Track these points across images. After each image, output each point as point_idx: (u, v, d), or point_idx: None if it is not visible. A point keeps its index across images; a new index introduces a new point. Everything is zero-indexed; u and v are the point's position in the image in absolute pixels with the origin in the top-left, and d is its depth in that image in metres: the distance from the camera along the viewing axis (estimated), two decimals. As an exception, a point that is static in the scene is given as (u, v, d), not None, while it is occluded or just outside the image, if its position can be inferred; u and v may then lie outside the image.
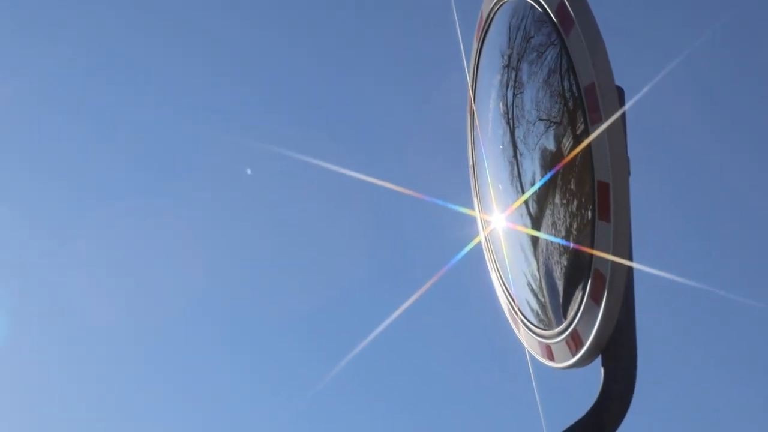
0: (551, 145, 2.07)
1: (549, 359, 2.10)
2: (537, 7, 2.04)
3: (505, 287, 2.37)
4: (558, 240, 2.07)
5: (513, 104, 2.23)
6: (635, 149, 2.00)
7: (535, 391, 2.19)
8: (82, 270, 7.13)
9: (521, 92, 2.19)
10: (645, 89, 2.04)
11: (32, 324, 7.36)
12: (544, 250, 2.15)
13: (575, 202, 2.00)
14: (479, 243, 2.49)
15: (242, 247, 7.17)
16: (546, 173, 2.10)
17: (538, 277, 2.19)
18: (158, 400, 7.42)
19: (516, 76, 2.21)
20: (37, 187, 7.31)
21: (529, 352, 2.21)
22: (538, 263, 2.19)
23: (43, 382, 7.40)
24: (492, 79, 2.34)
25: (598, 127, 1.85)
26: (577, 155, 1.94)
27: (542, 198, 2.13)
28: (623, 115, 1.90)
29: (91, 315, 7.04)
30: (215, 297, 7.22)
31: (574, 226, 2.00)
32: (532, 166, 2.16)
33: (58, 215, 7.47)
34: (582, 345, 1.93)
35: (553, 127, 2.05)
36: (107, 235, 7.02)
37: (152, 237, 7.03)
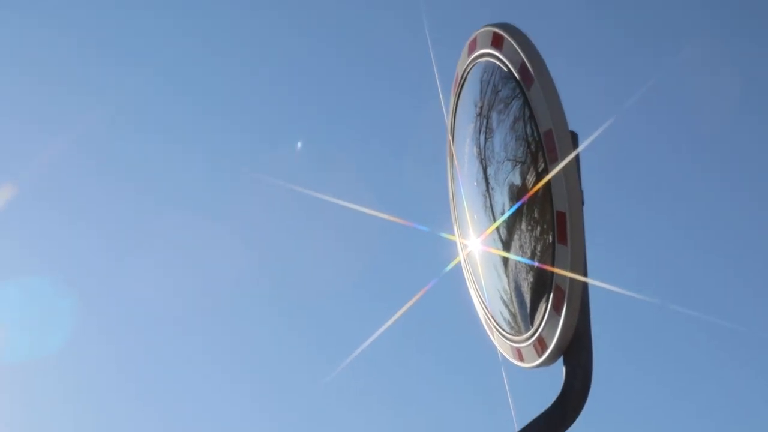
0: (517, 181, 2.22)
1: (519, 360, 2.27)
2: (503, 66, 2.23)
3: (482, 300, 2.52)
4: (525, 260, 2.22)
5: (485, 147, 2.39)
6: (590, 181, 2.14)
7: (507, 387, 2.35)
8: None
9: (491, 137, 2.35)
10: (596, 132, 2.20)
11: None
12: (514, 269, 2.30)
13: (538, 228, 2.15)
14: (459, 263, 2.64)
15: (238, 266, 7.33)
16: (513, 204, 2.24)
17: (509, 291, 2.33)
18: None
19: (487, 123, 2.37)
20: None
21: (501, 354, 2.37)
22: (508, 280, 2.33)
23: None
24: (467, 126, 2.50)
25: (555, 165, 2.02)
26: (539, 189, 2.10)
27: (511, 225, 2.28)
28: (577, 155, 2.09)
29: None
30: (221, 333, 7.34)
31: (538, 248, 2.16)
32: (501, 198, 2.30)
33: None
34: (546, 348, 2.10)
35: (519, 165, 2.21)
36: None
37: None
